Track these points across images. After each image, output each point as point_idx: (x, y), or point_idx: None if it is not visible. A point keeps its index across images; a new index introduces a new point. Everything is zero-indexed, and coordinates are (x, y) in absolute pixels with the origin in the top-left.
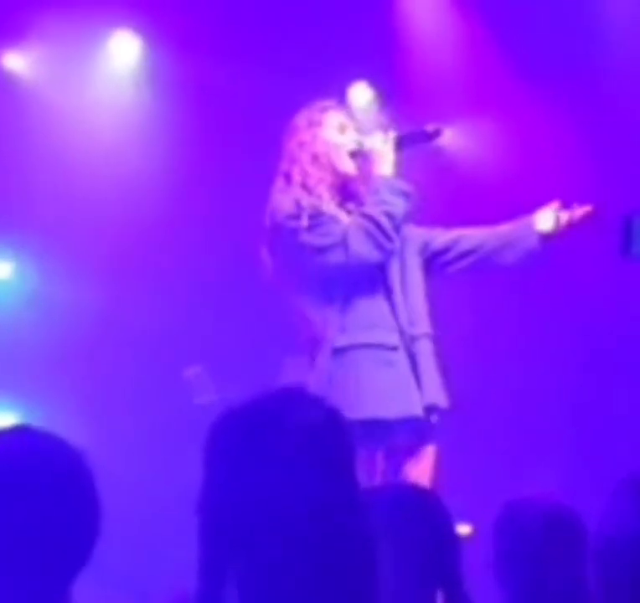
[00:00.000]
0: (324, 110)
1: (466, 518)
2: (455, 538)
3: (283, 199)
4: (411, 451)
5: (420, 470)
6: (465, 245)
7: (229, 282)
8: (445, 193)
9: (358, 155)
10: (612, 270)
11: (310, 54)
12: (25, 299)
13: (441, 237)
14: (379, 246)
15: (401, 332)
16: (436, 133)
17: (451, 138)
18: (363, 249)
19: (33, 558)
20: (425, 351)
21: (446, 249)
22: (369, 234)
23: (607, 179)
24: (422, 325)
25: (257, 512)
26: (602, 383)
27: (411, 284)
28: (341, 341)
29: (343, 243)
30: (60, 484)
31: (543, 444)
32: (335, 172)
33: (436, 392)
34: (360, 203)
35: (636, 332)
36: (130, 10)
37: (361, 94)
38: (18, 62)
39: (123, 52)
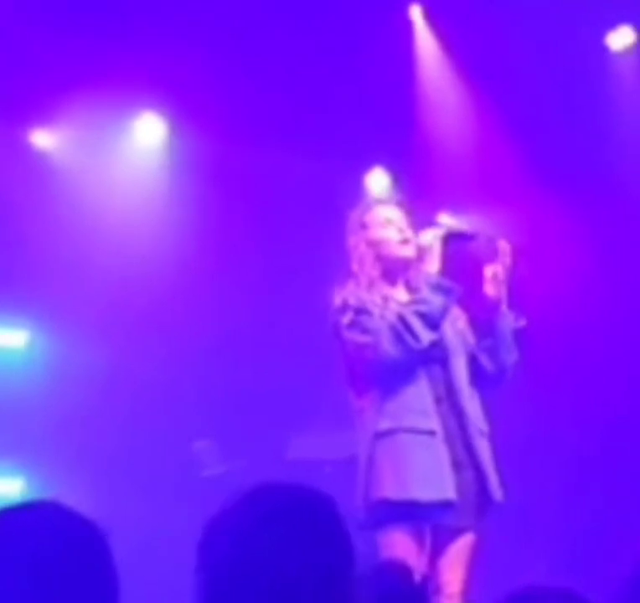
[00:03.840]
0: (367, 209)
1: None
2: None
3: (337, 295)
4: (454, 537)
5: (457, 556)
6: None
7: (238, 358)
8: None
9: (411, 242)
10: None
11: (329, 138)
12: (38, 367)
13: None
14: (407, 347)
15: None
16: (474, 236)
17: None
18: (391, 349)
19: None
20: (486, 448)
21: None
22: (398, 335)
23: (610, 272)
24: (482, 422)
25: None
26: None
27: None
28: (382, 425)
29: (375, 342)
30: (78, 563)
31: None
32: (389, 264)
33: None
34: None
35: None
36: (156, 93)
37: (378, 180)
38: (46, 140)
39: (148, 133)
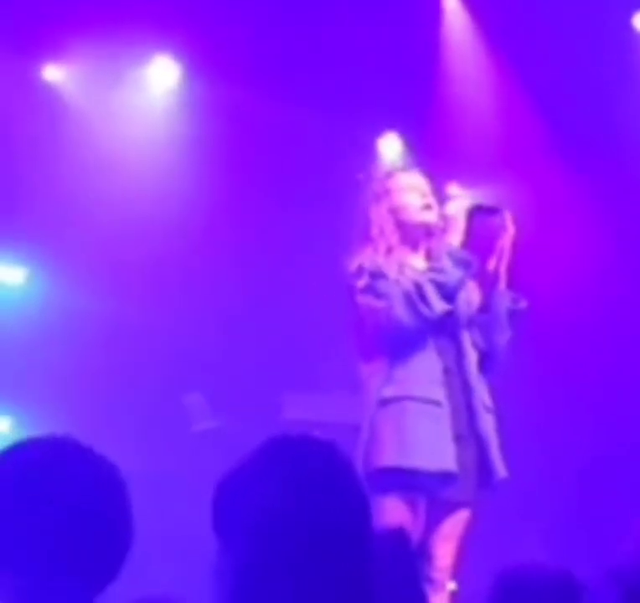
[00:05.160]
0: (391, 175)
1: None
2: (419, 591)
3: (354, 260)
4: (451, 510)
5: (452, 530)
6: None
7: (238, 313)
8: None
9: (433, 208)
10: None
11: (345, 93)
12: (35, 304)
13: None
14: (419, 315)
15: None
16: (497, 212)
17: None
18: (404, 315)
19: (68, 565)
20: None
21: None
22: (411, 302)
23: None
24: (488, 398)
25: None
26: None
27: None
28: (387, 392)
29: (389, 307)
30: (97, 495)
31: (539, 511)
32: (409, 230)
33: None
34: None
35: None
36: (172, 35)
37: (390, 144)
38: (57, 75)
39: (162, 75)
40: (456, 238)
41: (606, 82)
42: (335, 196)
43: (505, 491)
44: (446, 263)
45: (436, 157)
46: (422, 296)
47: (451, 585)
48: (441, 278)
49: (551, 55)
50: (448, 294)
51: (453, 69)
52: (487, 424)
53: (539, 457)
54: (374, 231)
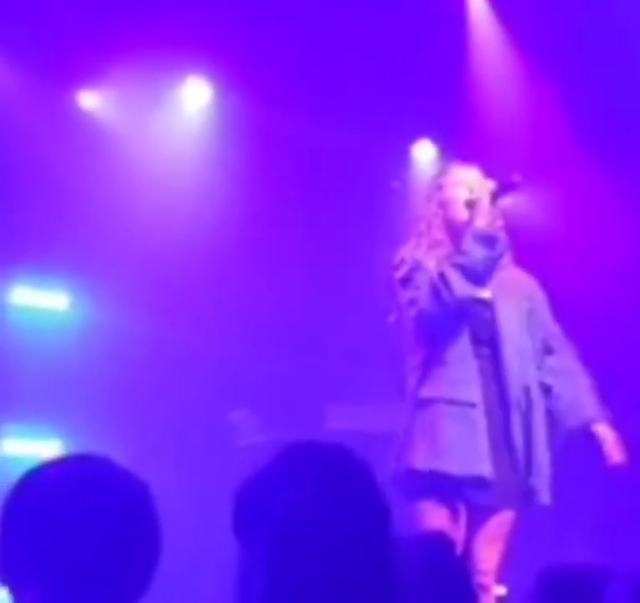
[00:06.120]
0: (445, 171)
1: (502, 581)
2: (470, 596)
3: (397, 253)
4: (493, 512)
5: (496, 532)
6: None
7: (278, 326)
8: None
9: (474, 203)
10: None
11: (376, 105)
12: (79, 330)
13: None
14: (443, 302)
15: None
16: (521, 183)
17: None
18: (428, 305)
19: (94, 584)
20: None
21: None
22: (434, 291)
23: None
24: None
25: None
26: None
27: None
28: (424, 392)
29: (419, 297)
30: (126, 512)
31: (578, 512)
32: (454, 224)
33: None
34: None
35: None
36: (203, 56)
37: (424, 151)
38: (92, 101)
39: (194, 96)
40: (481, 220)
41: (637, 85)
42: (371, 205)
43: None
44: (468, 243)
45: (471, 160)
46: (445, 282)
47: (500, 590)
48: (462, 260)
49: (581, 55)
50: (473, 276)
51: (483, 74)
52: (522, 426)
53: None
54: (422, 226)
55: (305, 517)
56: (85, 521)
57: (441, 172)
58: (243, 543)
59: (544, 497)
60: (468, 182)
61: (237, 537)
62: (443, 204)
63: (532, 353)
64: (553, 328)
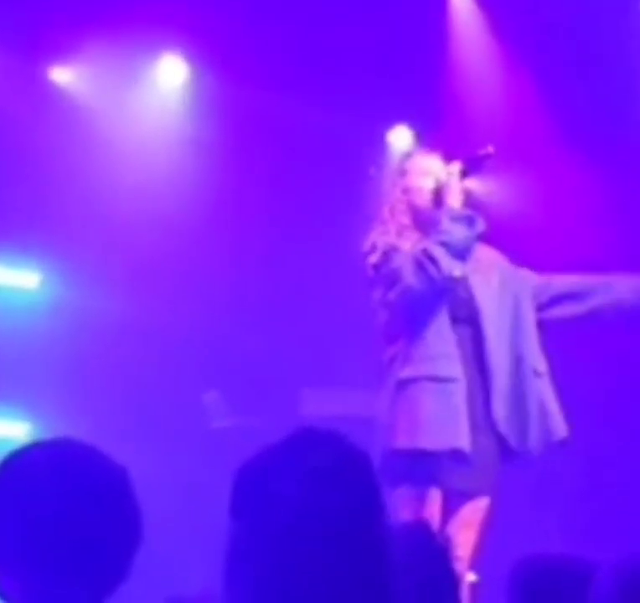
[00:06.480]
0: (409, 157)
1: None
2: (453, 583)
3: (367, 240)
4: (469, 498)
5: (470, 518)
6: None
7: (254, 309)
8: None
9: (441, 191)
10: None
11: (354, 88)
12: (48, 309)
13: (560, 281)
14: (430, 278)
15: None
16: (489, 155)
17: (482, 184)
18: (414, 281)
19: (75, 568)
20: (546, 387)
21: (570, 293)
22: (420, 266)
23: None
24: (540, 363)
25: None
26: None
27: (526, 324)
28: (405, 373)
29: (400, 277)
30: (107, 497)
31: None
32: (419, 211)
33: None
34: None
35: None
36: (179, 35)
37: (401, 137)
38: (65, 76)
39: (170, 74)
40: (454, 200)
41: (615, 72)
42: (347, 190)
43: (521, 479)
44: (446, 223)
45: (446, 148)
46: (430, 257)
47: (471, 576)
48: (444, 237)
49: (560, 42)
50: (456, 252)
51: (462, 61)
52: (532, 388)
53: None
54: (386, 212)
55: (308, 507)
56: (64, 506)
57: (405, 158)
58: (238, 521)
59: (559, 430)
60: (434, 171)
61: (234, 520)
62: (407, 191)
63: (519, 324)
64: (535, 277)
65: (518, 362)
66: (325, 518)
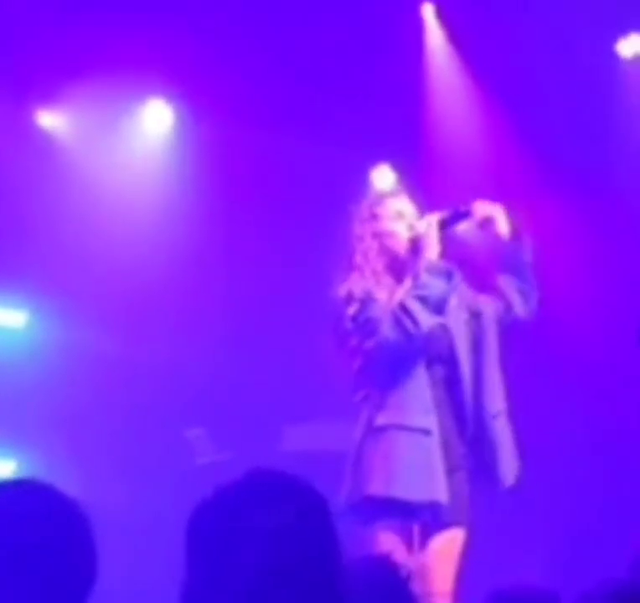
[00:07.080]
0: (380, 201)
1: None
2: None
3: (342, 287)
4: (443, 528)
5: (448, 549)
6: None
7: (236, 346)
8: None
9: (416, 239)
10: None
11: (336, 131)
12: (36, 348)
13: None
14: (405, 332)
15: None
16: (468, 213)
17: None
18: (390, 334)
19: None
20: (503, 429)
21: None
22: (397, 321)
23: (611, 272)
24: (498, 402)
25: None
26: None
27: (487, 361)
28: (379, 420)
29: (376, 330)
30: (58, 537)
31: (532, 533)
32: (394, 257)
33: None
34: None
35: None
36: (164, 79)
37: (383, 176)
38: (51, 121)
39: (155, 118)
40: (431, 252)
41: (591, 106)
42: (329, 228)
43: (509, 508)
44: (426, 277)
45: (430, 186)
46: (407, 312)
47: None
48: (423, 292)
49: (535, 80)
50: (435, 306)
51: (441, 99)
52: (491, 431)
53: (540, 473)
54: (358, 257)
55: (266, 564)
56: (15, 555)
57: (374, 203)
58: (192, 559)
59: (507, 478)
60: (406, 215)
61: (188, 551)
62: (379, 235)
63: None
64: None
65: (478, 408)
66: (283, 573)
